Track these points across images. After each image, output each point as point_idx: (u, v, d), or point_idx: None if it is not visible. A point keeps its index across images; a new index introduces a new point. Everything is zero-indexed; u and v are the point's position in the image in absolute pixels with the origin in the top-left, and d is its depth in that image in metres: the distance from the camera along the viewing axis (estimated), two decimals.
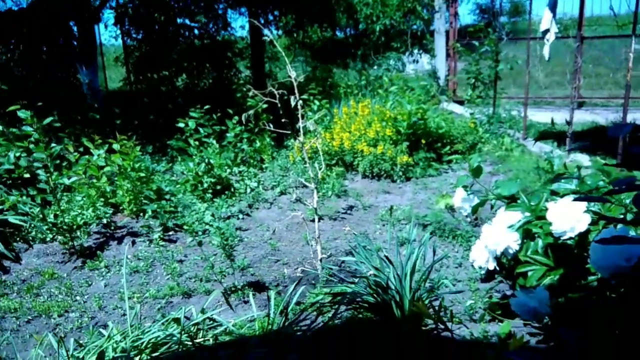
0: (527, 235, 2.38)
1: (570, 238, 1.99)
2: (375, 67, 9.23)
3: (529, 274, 2.28)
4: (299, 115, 2.70)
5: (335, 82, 8.24)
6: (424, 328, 2.45)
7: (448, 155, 5.61)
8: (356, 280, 2.58)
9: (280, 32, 9.84)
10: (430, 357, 2.11)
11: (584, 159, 5.08)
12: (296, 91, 2.57)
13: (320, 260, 3.13)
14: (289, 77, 2.67)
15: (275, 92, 2.56)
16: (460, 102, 7.98)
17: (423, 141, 5.62)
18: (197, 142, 5.13)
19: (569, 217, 1.93)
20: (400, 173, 5.24)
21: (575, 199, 1.54)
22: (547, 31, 5.17)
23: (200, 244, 3.12)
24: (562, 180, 2.47)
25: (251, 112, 2.59)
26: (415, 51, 8.87)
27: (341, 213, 4.41)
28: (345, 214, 4.39)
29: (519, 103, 6.69)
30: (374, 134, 5.53)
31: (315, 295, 2.80)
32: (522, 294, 1.92)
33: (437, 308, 2.61)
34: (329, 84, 7.82)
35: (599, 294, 2.02)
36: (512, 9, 17.50)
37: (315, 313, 2.58)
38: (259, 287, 3.07)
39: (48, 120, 3.83)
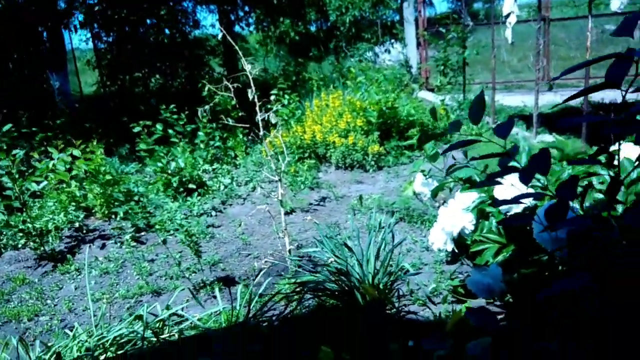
0: (481, 215, 2.44)
1: (516, 214, 2.04)
2: (351, 59, 9.25)
3: (484, 252, 2.33)
4: (257, 109, 2.72)
5: (309, 75, 8.25)
6: (388, 312, 2.49)
7: (420, 142, 5.66)
8: (320, 269, 2.61)
9: (252, 28, 9.82)
10: (390, 339, 2.14)
11: (550, 139, 5.17)
12: (252, 84, 2.58)
13: (289, 252, 3.16)
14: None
15: (230, 85, 2.58)
16: (432, 90, 8.05)
17: (394, 130, 5.66)
18: (153, 144, 5.11)
19: (514, 193, 1.98)
20: (373, 162, 5.29)
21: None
22: (510, 14, 5.23)
23: (164, 242, 3.13)
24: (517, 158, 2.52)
25: (207, 107, 2.61)
26: (387, 41, 8.92)
27: (314, 205, 4.44)
28: (317, 206, 4.43)
29: (489, 88, 6.77)
30: (345, 125, 5.56)
31: (283, 286, 2.82)
32: (477, 272, 1.97)
33: (400, 292, 2.66)
34: (301, 78, 7.83)
35: (550, 268, 2.07)
36: None
37: (283, 303, 2.61)
38: (228, 281, 3.09)
39: (7, 127, 3.80)
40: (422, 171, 2.72)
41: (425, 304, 2.61)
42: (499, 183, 1.72)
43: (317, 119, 5.82)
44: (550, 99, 7.28)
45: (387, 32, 8.95)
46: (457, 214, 2.43)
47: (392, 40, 8.79)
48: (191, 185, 4.76)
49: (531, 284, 1.98)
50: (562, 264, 1.93)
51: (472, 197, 2.49)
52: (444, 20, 6.61)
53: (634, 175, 1.96)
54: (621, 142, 2.35)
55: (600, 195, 1.95)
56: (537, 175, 2.20)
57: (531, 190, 2.06)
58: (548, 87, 8.44)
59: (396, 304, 2.46)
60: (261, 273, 3.08)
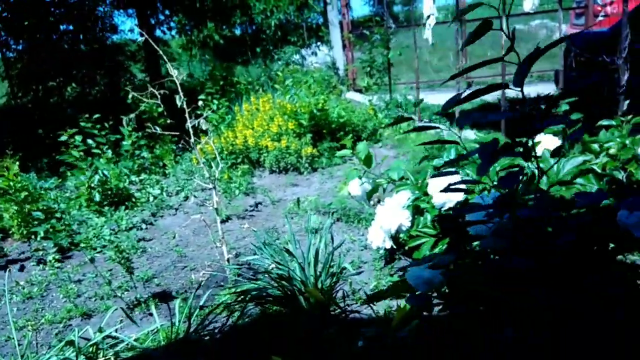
0: (417, 211, 2.50)
1: (450, 208, 2.12)
2: (279, 62, 9.22)
3: (422, 246, 2.39)
4: (187, 116, 2.63)
5: (236, 79, 8.13)
6: (332, 313, 2.49)
7: (351, 145, 5.73)
8: (261, 276, 2.57)
9: (174, 32, 9.52)
10: (335, 340, 2.15)
11: (472, 135, 5.42)
12: (180, 90, 2.49)
13: (228, 261, 3.08)
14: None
15: (157, 92, 2.47)
16: (360, 91, 8.21)
17: (325, 131, 5.71)
18: (82, 154, 4.83)
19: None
20: (307, 165, 5.30)
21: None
22: (430, 16, 5.43)
23: (92, 260, 2.95)
24: (444, 155, 2.61)
25: (132, 115, 2.49)
26: (313, 44, 9.00)
27: (249, 211, 4.37)
28: (254, 211, 4.36)
29: (414, 87, 7.01)
30: (277, 128, 5.53)
31: (223, 297, 2.75)
32: (415, 266, 2.01)
33: (343, 292, 2.67)
34: (229, 82, 7.71)
35: (483, 258, 2.15)
36: None
37: (225, 315, 2.54)
38: (164, 296, 2.96)
39: None
40: (358, 176, 2.75)
41: (370, 300, 2.64)
42: (457, 172, 1.78)
43: (248, 124, 5.75)
44: None
45: (313, 34, 9.02)
46: (394, 212, 2.48)
47: (318, 43, 8.88)
48: (117, 199, 4.53)
49: (466, 274, 2.06)
50: (494, 253, 2.02)
51: (406, 195, 2.54)
52: (367, 23, 6.80)
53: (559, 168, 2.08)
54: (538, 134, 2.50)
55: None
56: (467, 170, 2.29)
57: (462, 186, 2.14)
58: (467, 85, 8.86)
59: (341, 304, 2.47)
60: (200, 285, 2.98)
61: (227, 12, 9.50)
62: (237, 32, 11.22)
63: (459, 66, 5.30)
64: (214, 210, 3.05)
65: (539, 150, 2.28)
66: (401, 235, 2.56)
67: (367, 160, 2.69)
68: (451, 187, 1.23)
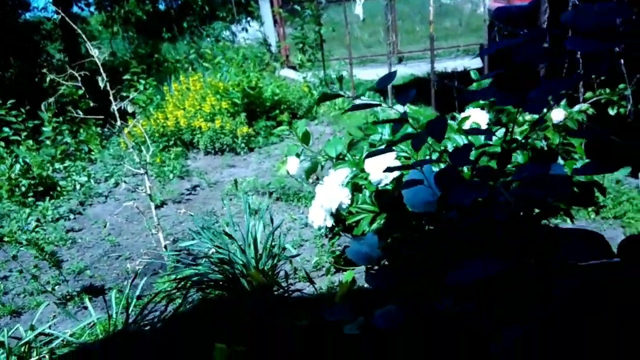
0: (355, 188, 2.54)
1: (386, 185, 2.16)
2: (208, 39, 8.91)
3: (361, 222, 2.44)
4: (111, 98, 2.48)
5: (164, 57, 7.79)
6: (275, 293, 2.50)
7: (287, 122, 5.70)
8: (200, 261, 2.52)
9: (92, 8, 8.93)
10: (279, 321, 2.16)
11: (404, 108, 5.55)
12: (102, 70, 2.35)
13: (165, 248, 2.99)
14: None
15: (76, 74, 2.32)
16: (294, 68, 8.14)
17: (259, 110, 5.63)
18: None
19: (382, 166, 2.09)
20: (243, 145, 5.21)
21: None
22: None
23: (14, 257, 2.77)
24: (379, 130, 2.66)
25: (51, 99, 2.32)
26: (243, 19, 8.76)
27: (185, 195, 4.26)
28: (190, 195, 4.25)
29: (347, 63, 7.04)
30: (209, 108, 5.38)
31: (162, 284, 2.68)
32: (355, 242, 2.05)
33: (284, 272, 2.69)
34: (156, 60, 7.37)
35: (418, 230, 2.22)
36: None
37: (164, 303, 2.48)
38: (98, 289, 2.84)
39: None
40: (296, 154, 2.74)
41: (310, 279, 2.67)
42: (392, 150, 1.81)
43: (179, 104, 5.55)
44: (402, 71, 7.79)
45: (242, 10, 8.77)
46: (333, 190, 2.50)
47: (249, 19, 8.65)
48: (41, 188, 4.25)
49: (402, 246, 2.13)
50: (429, 224, 2.10)
51: (345, 172, 2.57)
52: None
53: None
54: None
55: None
56: (403, 147, 2.34)
57: (397, 162, 2.19)
58: (398, 60, 9.03)
59: (283, 284, 2.48)
60: (136, 274, 2.88)
61: None
62: (161, 7, 10.71)
63: (390, 42, 5.37)
64: (147, 196, 2.94)
65: (467, 124, 2.37)
66: (342, 212, 2.58)
67: (305, 137, 2.68)
68: (390, 167, 1.24)
